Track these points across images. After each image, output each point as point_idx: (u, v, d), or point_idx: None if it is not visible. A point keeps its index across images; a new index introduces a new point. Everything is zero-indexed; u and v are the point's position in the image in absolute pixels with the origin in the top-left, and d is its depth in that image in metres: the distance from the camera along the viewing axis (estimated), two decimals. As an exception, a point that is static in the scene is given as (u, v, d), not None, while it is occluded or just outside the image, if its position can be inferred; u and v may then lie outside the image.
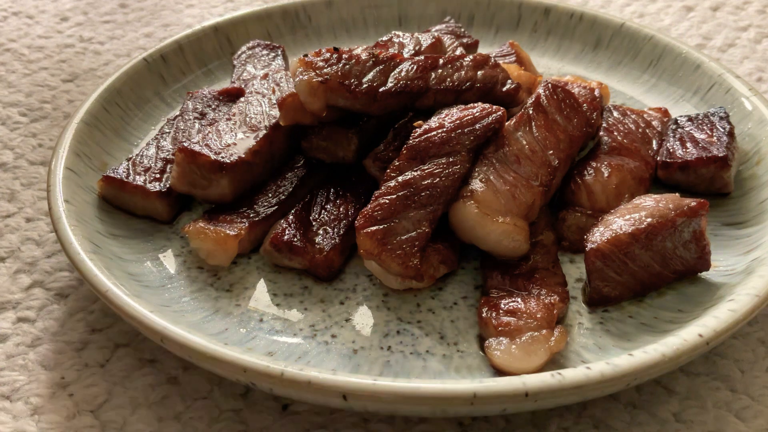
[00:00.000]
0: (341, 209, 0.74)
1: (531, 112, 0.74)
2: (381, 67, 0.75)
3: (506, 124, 0.73)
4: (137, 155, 0.80)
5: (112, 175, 0.76)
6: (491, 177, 0.69)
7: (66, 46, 1.14)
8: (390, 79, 0.74)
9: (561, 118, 0.76)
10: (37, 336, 0.69)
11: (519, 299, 0.65)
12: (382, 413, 0.61)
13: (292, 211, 0.74)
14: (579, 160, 0.80)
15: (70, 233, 0.68)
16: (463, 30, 0.98)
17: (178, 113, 0.87)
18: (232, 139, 0.76)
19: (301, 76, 0.72)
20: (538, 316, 0.63)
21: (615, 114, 0.85)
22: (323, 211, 0.74)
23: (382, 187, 0.69)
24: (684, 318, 0.65)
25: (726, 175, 0.77)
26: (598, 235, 0.67)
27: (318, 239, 0.71)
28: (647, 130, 0.83)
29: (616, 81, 0.98)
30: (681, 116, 0.84)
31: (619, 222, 0.67)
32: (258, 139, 0.77)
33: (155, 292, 0.69)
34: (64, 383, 0.65)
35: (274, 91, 0.82)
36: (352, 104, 0.73)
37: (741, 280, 0.66)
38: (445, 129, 0.70)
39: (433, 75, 0.76)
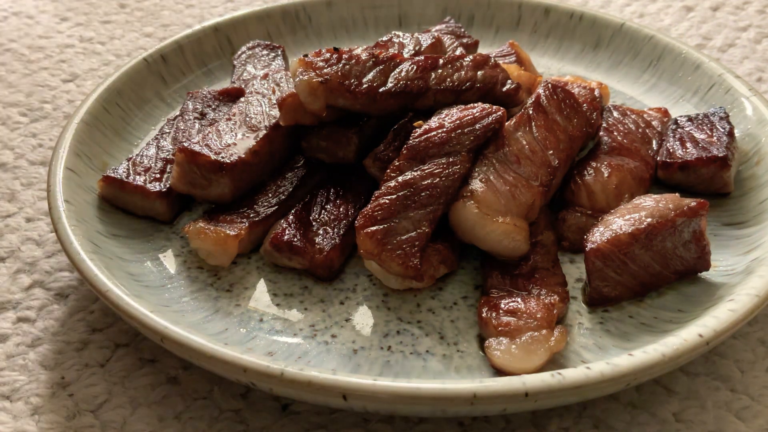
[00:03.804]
0: (341, 209, 0.74)
1: (531, 112, 0.74)
2: (381, 67, 0.75)
3: (506, 124, 0.73)
4: (137, 155, 0.80)
5: (112, 175, 0.76)
6: (491, 177, 0.69)
7: (66, 46, 1.14)
8: (390, 80, 0.74)
9: (561, 118, 0.76)
10: (37, 336, 0.69)
11: (519, 299, 0.65)
12: (382, 413, 0.61)
13: (292, 211, 0.74)
14: (579, 160, 0.80)
15: (70, 233, 0.68)
16: (463, 30, 0.98)
17: (178, 113, 0.87)
18: (232, 139, 0.76)
19: (301, 76, 0.72)
20: (538, 316, 0.63)
21: (615, 114, 0.85)
22: (323, 211, 0.74)
23: (382, 187, 0.69)
24: (684, 318, 0.65)
25: (726, 175, 0.77)
26: (598, 235, 0.67)
27: (318, 239, 0.71)
28: (647, 130, 0.83)
29: (616, 81, 0.98)
30: (681, 116, 0.84)
31: (619, 222, 0.67)
32: (258, 139, 0.77)
33: (155, 292, 0.69)
34: (64, 383, 0.65)
35: (274, 91, 0.82)
36: (352, 104, 0.73)
37: (741, 280, 0.66)
38: (445, 129, 0.71)
39: (433, 75, 0.76)
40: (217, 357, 0.57)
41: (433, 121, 0.72)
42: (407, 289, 0.69)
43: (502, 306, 0.65)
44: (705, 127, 0.81)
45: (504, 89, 0.79)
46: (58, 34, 1.18)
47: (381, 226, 0.66)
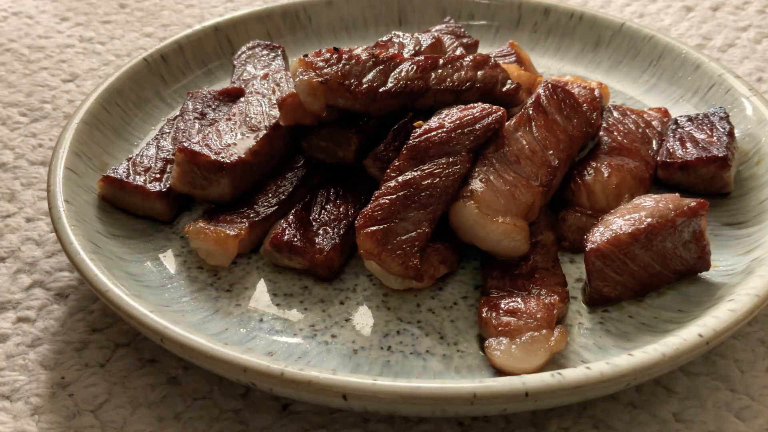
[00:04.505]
0: (341, 209, 0.74)
1: (531, 112, 0.74)
2: (381, 67, 0.75)
3: (506, 124, 0.73)
4: (137, 155, 0.80)
5: (112, 175, 0.76)
6: (491, 177, 0.69)
7: (66, 46, 1.14)
8: (390, 79, 0.74)
9: (561, 118, 0.76)
10: (37, 336, 0.69)
11: (519, 299, 0.65)
12: (382, 413, 0.61)
13: (292, 211, 0.74)
14: (579, 160, 0.80)
15: (70, 233, 0.68)
16: (463, 30, 0.98)
17: (178, 113, 0.87)
18: (232, 139, 0.76)
19: (301, 76, 0.72)
20: (538, 316, 0.63)
21: (615, 114, 0.85)
22: (323, 211, 0.74)
23: (382, 187, 0.69)
24: (684, 318, 0.65)
25: (726, 175, 0.77)
26: (598, 235, 0.67)
27: (318, 239, 0.71)
28: (647, 130, 0.83)
29: (616, 81, 0.98)
30: (681, 116, 0.84)
31: (619, 222, 0.67)
32: (258, 139, 0.77)
33: (155, 292, 0.69)
34: (64, 383, 0.65)
35: (274, 91, 0.82)
36: (352, 104, 0.73)
37: (741, 280, 0.66)
38: (445, 129, 0.71)
39: (433, 75, 0.76)
40: (217, 357, 0.57)
41: (433, 121, 0.72)
42: (407, 289, 0.69)
43: (502, 306, 0.65)
44: (705, 127, 0.81)
45: (504, 89, 0.79)
46: (58, 34, 1.18)
47: (381, 226, 0.66)
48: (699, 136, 0.80)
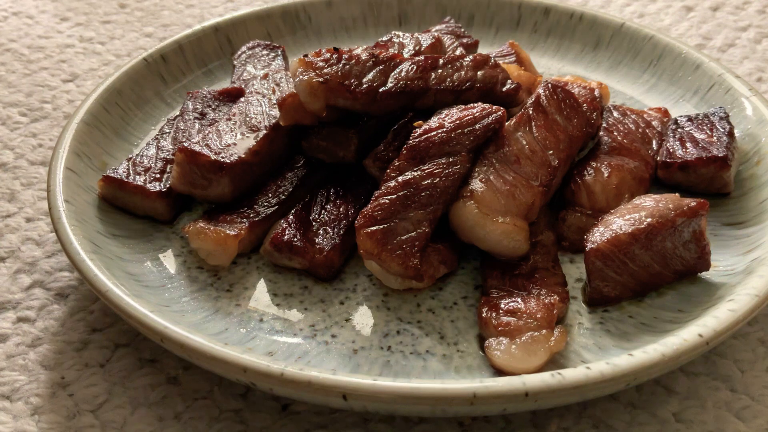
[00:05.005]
0: (341, 209, 0.74)
1: (531, 112, 0.74)
2: (381, 67, 0.75)
3: (506, 124, 0.73)
4: (137, 155, 0.80)
5: (112, 175, 0.76)
6: (491, 177, 0.69)
7: (66, 46, 1.14)
8: (390, 80, 0.74)
9: (561, 118, 0.76)
10: (37, 336, 0.69)
11: (519, 299, 0.65)
12: (382, 413, 0.61)
13: (292, 211, 0.74)
14: (579, 160, 0.80)
15: (70, 233, 0.68)
16: (463, 30, 0.98)
17: (178, 113, 0.87)
18: (232, 139, 0.76)
19: (301, 76, 0.72)
20: (538, 316, 0.63)
21: (615, 114, 0.85)
22: (323, 211, 0.74)
23: (382, 187, 0.69)
24: (684, 318, 0.65)
25: (726, 175, 0.77)
26: (598, 235, 0.67)
27: (318, 239, 0.71)
28: (647, 130, 0.83)
29: (616, 81, 0.98)
30: (681, 116, 0.84)
31: (619, 222, 0.67)
32: (258, 139, 0.77)
33: (155, 292, 0.69)
34: (64, 383, 0.65)
35: (274, 91, 0.82)
36: (352, 104, 0.73)
37: (741, 280, 0.66)
38: (445, 129, 0.71)
39: (433, 75, 0.76)
40: (217, 357, 0.57)
41: (433, 121, 0.72)
42: (407, 289, 0.69)
43: (502, 306, 0.65)
44: (705, 127, 0.81)
45: (504, 89, 0.79)
46: (58, 34, 1.18)
47: (381, 226, 0.66)
48: (699, 136, 0.80)
